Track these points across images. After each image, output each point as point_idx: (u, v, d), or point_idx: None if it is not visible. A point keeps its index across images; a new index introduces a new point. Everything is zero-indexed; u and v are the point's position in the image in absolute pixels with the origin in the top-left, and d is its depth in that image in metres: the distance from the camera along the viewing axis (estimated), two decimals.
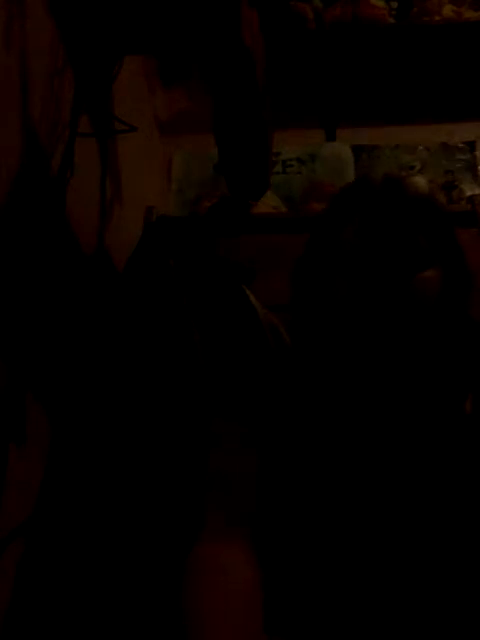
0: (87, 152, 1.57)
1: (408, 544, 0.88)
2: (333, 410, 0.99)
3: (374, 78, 2.46)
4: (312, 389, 1.03)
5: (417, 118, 2.53)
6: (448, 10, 2.43)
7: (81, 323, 1.47)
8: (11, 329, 1.21)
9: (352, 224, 0.99)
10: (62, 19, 1.41)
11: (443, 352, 0.99)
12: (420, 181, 1.08)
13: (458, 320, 1.01)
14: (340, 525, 0.90)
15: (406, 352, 0.95)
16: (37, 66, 1.30)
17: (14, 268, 1.22)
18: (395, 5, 2.47)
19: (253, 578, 0.87)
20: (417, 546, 0.88)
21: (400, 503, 0.91)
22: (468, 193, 2.35)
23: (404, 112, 2.51)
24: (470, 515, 0.90)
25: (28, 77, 1.26)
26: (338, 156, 2.53)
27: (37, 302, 1.29)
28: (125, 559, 1.19)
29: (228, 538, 0.90)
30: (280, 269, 1.67)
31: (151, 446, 1.28)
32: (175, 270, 1.43)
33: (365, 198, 1.02)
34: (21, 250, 1.25)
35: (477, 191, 2.39)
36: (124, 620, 1.12)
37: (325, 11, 2.42)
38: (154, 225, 1.69)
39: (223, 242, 1.62)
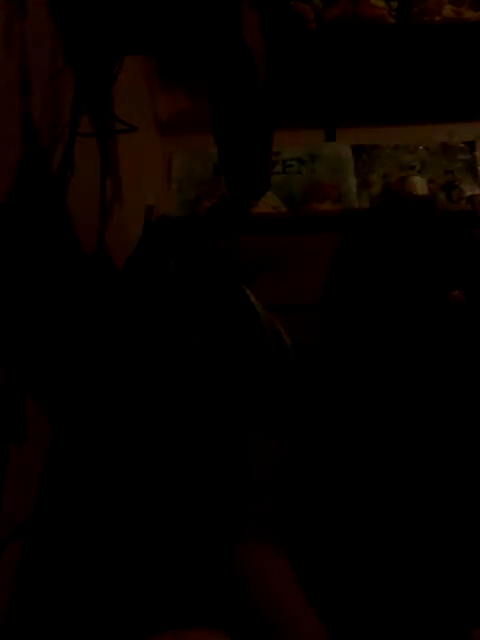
0: (87, 152, 1.57)
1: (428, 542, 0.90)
2: (369, 415, 1.01)
3: (374, 78, 2.46)
4: (345, 395, 1.04)
5: (417, 118, 2.53)
6: (448, 10, 2.43)
7: (81, 323, 1.47)
8: (11, 329, 1.21)
9: (387, 245, 1.04)
10: (62, 19, 1.41)
11: (473, 360, 1.03)
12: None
13: None
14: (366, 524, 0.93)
15: (440, 361, 1.01)
16: (37, 66, 1.30)
17: (14, 268, 1.22)
18: (395, 5, 2.47)
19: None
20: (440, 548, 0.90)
21: (425, 505, 0.92)
22: (468, 193, 2.35)
23: (404, 112, 2.51)
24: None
25: (28, 77, 1.26)
26: (338, 156, 2.53)
27: (37, 302, 1.29)
28: (125, 559, 1.19)
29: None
30: (280, 269, 1.67)
31: (151, 446, 1.28)
32: (175, 270, 1.43)
33: (400, 220, 1.07)
34: (21, 250, 1.25)
35: (477, 191, 2.40)
36: (124, 619, 1.12)
37: (325, 11, 2.42)
38: (154, 225, 1.69)
39: (223, 242, 1.62)
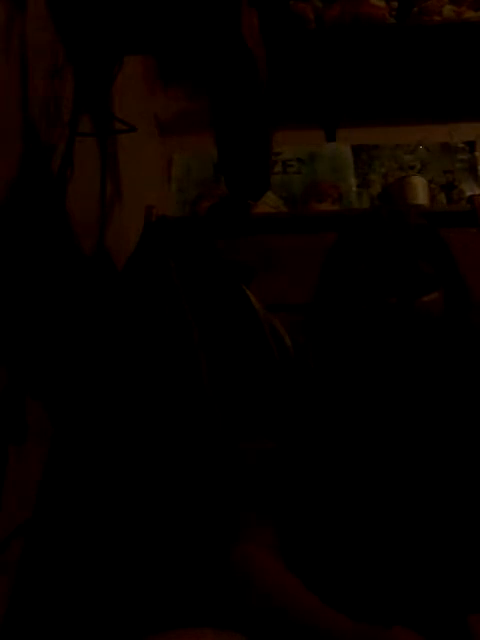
0: (87, 152, 1.57)
1: (421, 539, 0.90)
2: (345, 421, 1.02)
3: (374, 78, 2.46)
4: (326, 400, 1.06)
5: (417, 118, 2.53)
6: (448, 10, 2.43)
7: (81, 323, 1.47)
8: (11, 329, 1.21)
9: (363, 255, 1.08)
10: (62, 19, 1.41)
11: (448, 367, 1.06)
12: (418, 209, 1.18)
13: (461, 336, 1.08)
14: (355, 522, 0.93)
15: (414, 369, 1.03)
16: (37, 66, 1.30)
17: (14, 268, 1.22)
18: (395, 5, 2.47)
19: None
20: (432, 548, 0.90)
21: (406, 499, 0.93)
22: (468, 193, 2.35)
23: (404, 112, 2.51)
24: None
25: (28, 77, 1.26)
26: (338, 156, 2.53)
27: (37, 302, 1.29)
28: (125, 559, 1.19)
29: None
30: (280, 269, 1.67)
31: (151, 446, 1.28)
32: (175, 270, 1.43)
33: (374, 231, 1.10)
34: (21, 250, 1.25)
35: (477, 191, 2.39)
36: (124, 619, 1.12)
37: (325, 11, 2.42)
38: (154, 225, 1.69)
39: (223, 242, 1.62)
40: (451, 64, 2.43)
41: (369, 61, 2.40)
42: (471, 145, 2.55)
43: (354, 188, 2.47)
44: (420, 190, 2.36)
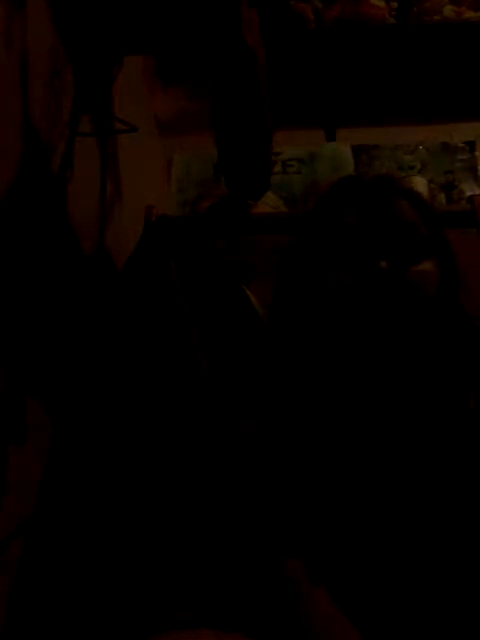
0: (87, 152, 1.57)
1: (412, 540, 0.88)
2: (328, 406, 0.98)
3: (374, 78, 2.46)
4: (308, 383, 1.02)
5: (417, 118, 2.53)
6: (448, 10, 2.44)
7: (81, 323, 1.47)
8: (11, 329, 1.21)
9: (348, 219, 0.99)
10: (62, 19, 1.41)
11: (442, 346, 0.98)
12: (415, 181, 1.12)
13: (456, 313, 1.00)
14: (347, 518, 0.90)
15: (404, 345, 0.93)
16: (37, 66, 1.30)
17: (14, 268, 1.22)
18: (395, 5, 2.48)
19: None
20: (422, 544, 0.88)
21: (403, 497, 0.91)
22: (468, 193, 2.35)
23: (404, 112, 2.52)
24: (471, 510, 0.90)
25: (28, 77, 1.26)
26: (338, 156, 2.54)
27: (37, 302, 1.29)
28: (127, 559, 1.19)
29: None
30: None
31: (152, 447, 1.28)
32: (175, 270, 1.43)
33: (360, 194, 1.02)
34: (21, 250, 1.25)
35: (477, 191, 2.40)
36: (125, 619, 1.12)
37: (325, 11, 2.42)
38: (154, 225, 1.69)
39: (223, 242, 1.62)
40: (451, 64, 2.43)
41: (369, 61, 2.40)
42: (471, 145, 2.55)
43: None
44: (420, 190, 2.36)
